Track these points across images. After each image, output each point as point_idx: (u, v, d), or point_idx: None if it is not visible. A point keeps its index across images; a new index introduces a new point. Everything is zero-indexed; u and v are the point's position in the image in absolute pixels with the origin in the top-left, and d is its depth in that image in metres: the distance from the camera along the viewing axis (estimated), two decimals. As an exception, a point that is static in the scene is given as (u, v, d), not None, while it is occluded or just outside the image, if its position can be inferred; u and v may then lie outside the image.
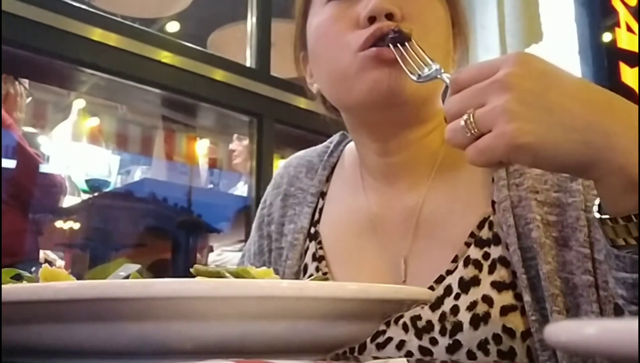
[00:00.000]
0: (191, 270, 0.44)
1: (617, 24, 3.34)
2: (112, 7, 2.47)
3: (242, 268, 0.45)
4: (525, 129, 0.45)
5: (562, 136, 0.45)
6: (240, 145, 2.78)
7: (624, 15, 3.38)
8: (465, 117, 0.48)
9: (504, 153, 0.46)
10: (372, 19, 0.65)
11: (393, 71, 0.63)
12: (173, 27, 3.35)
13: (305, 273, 0.77)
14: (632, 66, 3.23)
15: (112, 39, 1.98)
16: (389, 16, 0.65)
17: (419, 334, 0.66)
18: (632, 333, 0.19)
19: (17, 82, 2.35)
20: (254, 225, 0.88)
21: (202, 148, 3.62)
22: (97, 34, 1.95)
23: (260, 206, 0.89)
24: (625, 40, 3.33)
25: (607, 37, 3.32)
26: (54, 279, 0.45)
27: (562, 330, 0.22)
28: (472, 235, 0.67)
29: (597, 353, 0.20)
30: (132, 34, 2.05)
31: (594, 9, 3.28)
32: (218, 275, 0.43)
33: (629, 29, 3.37)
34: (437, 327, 0.65)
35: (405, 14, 0.66)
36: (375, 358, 0.65)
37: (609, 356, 0.20)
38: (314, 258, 0.77)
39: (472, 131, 0.47)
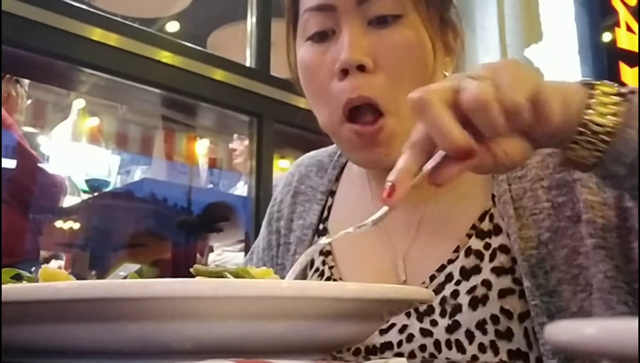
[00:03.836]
0: (191, 270, 0.44)
1: (617, 24, 3.34)
2: (112, 7, 2.47)
3: (242, 268, 0.45)
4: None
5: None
6: (241, 145, 2.78)
7: (624, 15, 3.38)
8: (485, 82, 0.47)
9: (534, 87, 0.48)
10: (345, 71, 0.66)
11: (377, 148, 0.67)
12: (173, 27, 3.35)
13: (312, 267, 0.79)
14: (632, 66, 3.23)
15: (112, 39, 1.98)
16: (361, 67, 0.66)
17: (420, 317, 0.67)
18: (632, 333, 0.19)
19: (18, 84, 2.35)
20: (264, 222, 0.91)
21: (202, 148, 3.62)
22: (97, 34, 1.95)
23: (271, 203, 0.91)
24: (625, 40, 3.33)
25: (607, 37, 3.32)
26: (53, 279, 0.45)
27: (562, 330, 0.22)
28: (473, 227, 0.69)
29: (597, 353, 0.20)
30: (132, 34, 2.05)
31: (594, 9, 3.28)
32: (218, 275, 0.43)
33: (629, 29, 3.37)
34: (437, 310, 0.66)
35: (378, 59, 0.66)
36: (374, 357, 0.65)
37: (609, 356, 0.20)
38: (321, 252, 0.78)
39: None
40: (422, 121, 0.48)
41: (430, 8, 0.69)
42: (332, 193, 0.84)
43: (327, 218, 0.82)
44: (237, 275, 0.43)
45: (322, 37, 0.70)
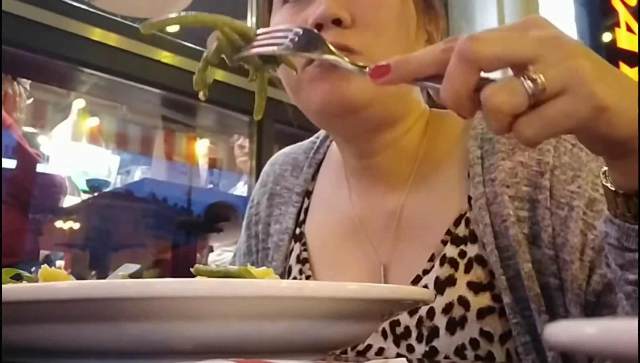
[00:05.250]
0: (192, 269, 0.44)
1: (617, 24, 3.34)
2: (112, 7, 2.47)
3: (243, 268, 0.45)
4: (608, 92, 0.38)
5: (630, 103, 0.40)
6: (246, 142, 2.76)
7: (624, 15, 3.38)
8: (532, 74, 0.38)
9: (585, 119, 0.39)
10: (319, 26, 0.62)
11: (338, 81, 0.62)
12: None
13: (289, 275, 0.75)
14: (632, 66, 3.23)
15: (112, 39, 1.98)
16: (337, 22, 0.62)
17: (397, 341, 0.65)
18: (632, 333, 0.19)
19: (15, 83, 2.35)
20: (244, 224, 0.87)
21: (202, 148, 3.62)
22: (97, 34, 1.95)
23: (249, 205, 0.87)
24: (625, 40, 3.33)
25: (607, 37, 3.32)
26: (53, 279, 0.45)
27: (562, 330, 0.22)
28: (448, 232, 0.65)
29: (597, 353, 0.20)
30: (132, 34, 2.05)
31: (594, 9, 3.28)
32: (218, 274, 0.43)
33: (629, 29, 3.36)
34: (414, 333, 0.63)
35: (356, 15, 0.63)
36: None
37: (609, 356, 0.20)
38: (298, 260, 0.75)
39: (538, 93, 0.38)
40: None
41: None
42: (308, 194, 0.80)
43: (303, 221, 0.78)
44: (237, 275, 0.43)
45: None
